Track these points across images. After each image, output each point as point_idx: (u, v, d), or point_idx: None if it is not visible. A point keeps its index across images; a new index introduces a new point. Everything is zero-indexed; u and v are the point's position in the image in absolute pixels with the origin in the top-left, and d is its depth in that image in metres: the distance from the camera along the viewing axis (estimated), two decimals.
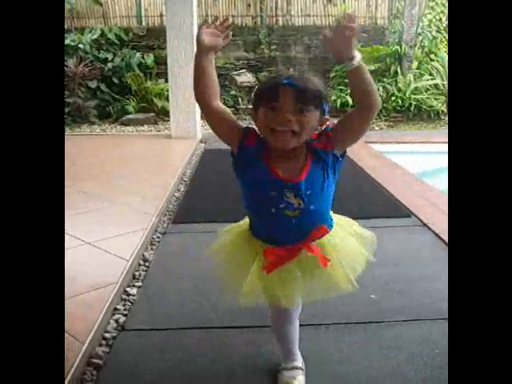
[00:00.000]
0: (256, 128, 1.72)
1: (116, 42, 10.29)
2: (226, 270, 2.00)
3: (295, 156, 1.68)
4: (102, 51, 10.03)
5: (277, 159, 1.68)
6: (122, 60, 9.98)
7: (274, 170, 1.68)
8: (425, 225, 3.85)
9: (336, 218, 1.87)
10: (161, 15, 10.80)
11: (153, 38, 10.72)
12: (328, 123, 1.69)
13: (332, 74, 10.53)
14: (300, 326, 2.36)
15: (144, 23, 11.23)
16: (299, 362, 2.07)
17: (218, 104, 1.73)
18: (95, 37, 10.05)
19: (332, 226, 1.81)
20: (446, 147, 5.71)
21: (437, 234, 3.62)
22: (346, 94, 9.70)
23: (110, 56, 10.00)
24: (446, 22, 10.79)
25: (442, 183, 5.34)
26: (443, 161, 6.87)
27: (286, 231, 1.73)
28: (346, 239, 1.82)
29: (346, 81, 10.00)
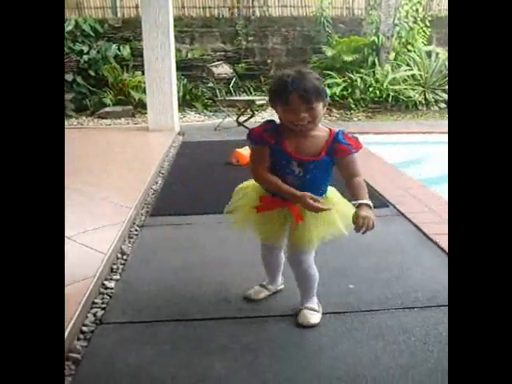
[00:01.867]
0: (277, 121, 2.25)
1: (91, 33, 10.16)
2: (234, 207, 2.51)
3: (314, 140, 2.20)
4: (77, 43, 9.90)
5: (294, 140, 2.20)
6: (98, 52, 9.86)
7: (287, 147, 2.19)
8: (402, 215, 3.87)
9: (331, 192, 2.34)
10: (136, 6, 10.68)
11: (129, 30, 10.61)
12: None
13: (310, 66, 10.53)
14: (278, 316, 2.38)
15: (119, 14, 11.10)
16: (276, 286, 2.67)
17: (269, 173, 2.27)
18: (69, 28, 9.90)
19: (320, 195, 2.23)
20: (423, 137, 5.79)
21: (415, 224, 3.65)
22: (324, 85, 9.70)
23: (85, 48, 9.87)
24: (423, 13, 10.85)
25: (419, 173, 5.39)
26: (421, 151, 6.96)
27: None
28: (332, 214, 2.25)
29: (324, 72, 10.04)
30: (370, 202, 2.17)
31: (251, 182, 2.45)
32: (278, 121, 2.27)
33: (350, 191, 2.23)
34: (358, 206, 2.14)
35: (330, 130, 2.24)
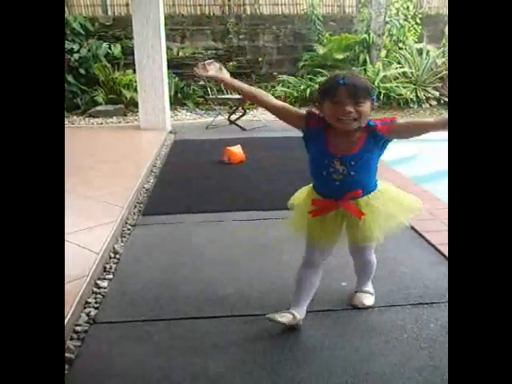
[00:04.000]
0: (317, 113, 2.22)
1: (82, 32, 10.11)
2: (292, 211, 2.51)
3: (351, 136, 2.18)
4: (67, 41, 9.84)
5: (334, 137, 2.19)
6: (89, 51, 9.82)
7: (329, 146, 2.20)
8: None
9: (384, 186, 2.38)
10: (127, 4, 10.64)
11: (119, 28, 10.57)
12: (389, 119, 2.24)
13: (301, 63, 10.55)
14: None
15: (110, 12, 11.06)
16: (301, 315, 2.38)
17: (277, 102, 2.29)
18: None
19: (373, 191, 2.29)
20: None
21: None
22: (316, 83, 9.71)
23: (75, 46, 9.81)
24: (414, 11, 10.88)
25: (410, 171, 5.41)
26: (412, 149, 6.96)
27: (331, 189, 2.26)
28: (385, 204, 2.30)
29: (315, 70, 10.05)
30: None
31: (301, 191, 2.48)
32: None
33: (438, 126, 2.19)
34: None
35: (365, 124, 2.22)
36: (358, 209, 2.25)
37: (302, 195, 2.44)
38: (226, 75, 2.38)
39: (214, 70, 2.36)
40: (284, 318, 2.28)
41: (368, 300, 2.55)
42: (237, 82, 2.41)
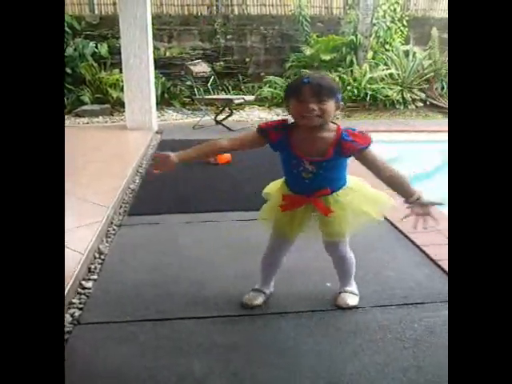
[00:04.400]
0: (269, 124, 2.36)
1: (68, 30, 10.04)
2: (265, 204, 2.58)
3: (320, 141, 2.26)
4: None
5: (300, 139, 2.28)
6: (75, 50, 9.76)
7: (295, 149, 2.28)
8: None
9: (354, 183, 2.44)
10: (114, 3, 10.57)
11: (106, 27, 10.51)
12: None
13: (288, 64, 10.56)
14: (258, 315, 2.39)
15: (97, 11, 10.99)
16: (270, 288, 2.65)
17: (233, 140, 2.43)
18: None
19: (342, 187, 2.38)
20: (400, 136, 5.79)
21: (391, 222, 3.68)
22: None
23: None
24: (401, 13, 10.94)
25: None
26: (398, 150, 6.98)
27: (301, 187, 2.35)
28: (355, 200, 2.38)
29: (302, 70, 10.06)
30: (417, 195, 2.29)
31: (275, 182, 2.55)
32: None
33: (391, 188, 2.33)
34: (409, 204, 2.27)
35: (339, 128, 2.30)
36: (326, 206, 2.33)
37: (274, 187, 2.53)
38: (173, 159, 2.38)
39: (167, 164, 2.41)
40: (258, 300, 2.56)
41: (351, 300, 2.57)
42: (187, 155, 2.43)
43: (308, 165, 2.28)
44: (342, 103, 2.34)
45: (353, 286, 2.64)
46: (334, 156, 2.26)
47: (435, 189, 4.62)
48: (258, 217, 2.59)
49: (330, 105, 2.20)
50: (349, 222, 2.40)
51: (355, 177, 2.49)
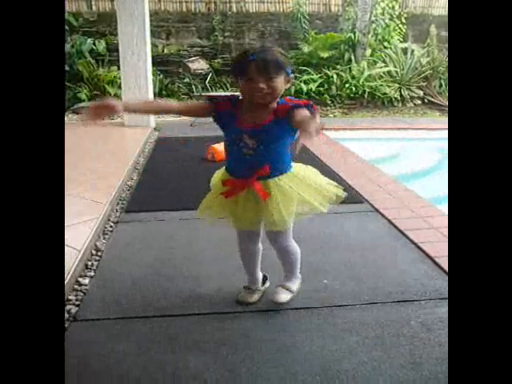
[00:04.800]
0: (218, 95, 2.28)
1: (66, 27, 10.02)
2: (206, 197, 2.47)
3: (262, 110, 2.17)
4: None
5: (246, 112, 2.21)
6: (73, 46, 9.73)
7: (240, 121, 2.21)
8: (377, 210, 3.91)
9: (299, 169, 2.33)
10: (112, 0, 10.57)
11: (104, 24, 10.49)
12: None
13: None
14: (254, 312, 2.38)
15: (94, 8, 10.95)
16: (258, 284, 2.62)
17: (180, 103, 2.56)
18: None
19: (283, 172, 2.26)
20: (398, 134, 5.82)
21: (389, 220, 3.68)
22: (301, 81, 9.72)
23: None
24: (399, 10, 10.93)
25: (394, 170, 5.44)
26: (396, 147, 6.99)
27: (242, 165, 2.25)
28: (298, 187, 2.27)
29: (301, 68, 10.06)
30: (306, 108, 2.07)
31: (218, 172, 2.46)
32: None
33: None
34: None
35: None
36: (264, 189, 2.22)
37: (217, 176, 2.44)
38: (117, 107, 2.24)
39: (104, 112, 2.27)
40: (253, 297, 2.56)
41: (282, 296, 2.46)
42: (132, 106, 2.44)
43: (248, 139, 2.18)
44: (293, 75, 2.22)
45: (292, 282, 2.53)
46: (272, 123, 2.15)
47: (434, 186, 4.63)
48: (196, 213, 2.46)
49: (280, 80, 2.12)
50: (290, 211, 2.26)
51: (303, 164, 2.39)
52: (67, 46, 9.64)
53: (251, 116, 2.19)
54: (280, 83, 2.13)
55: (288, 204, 2.24)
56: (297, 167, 2.33)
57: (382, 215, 3.80)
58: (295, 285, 2.54)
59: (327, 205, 2.34)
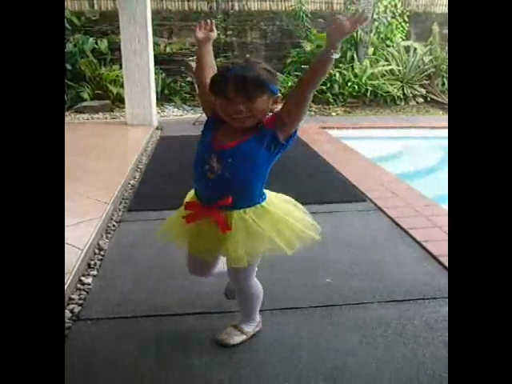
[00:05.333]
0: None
1: (68, 26, 10.01)
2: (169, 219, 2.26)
3: (240, 132, 1.92)
4: None
5: (225, 130, 1.95)
6: (75, 46, 9.73)
7: (215, 139, 1.97)
8: (379, 209, 3.90)
9: (274, 202, 2.05)
10: None
11: (106, 23, 10.49)
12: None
13: (288, 60, 10.54)
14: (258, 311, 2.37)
15: (96, 7, 10.95)
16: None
17: (206, 78, 2.01)
18: None
19: (253, 205, 2.00)
20: (401, 132, 5.80)
21: (392, 219, 3.68)
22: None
23: None
24: (402, 8, 10.91)
25: (396, 168, 5.44)
26: (398, 146, 6.99)
27: (204, 190, 2.03)
28: (264, 223, 1.99)
29: (303, 66, 10.04)
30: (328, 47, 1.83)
31: (190, 192, 2.23)
32: None
33: (308, 74, 1.95)
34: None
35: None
36: (225, 221, 1.96)
37: (189, 194, 2.21)
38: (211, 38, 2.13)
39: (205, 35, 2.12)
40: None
41: (233, 338, 2.21)
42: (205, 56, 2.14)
43: (215, 162, 1.92)
44: (281, 95, 1.95)
45: (246, 324, 2.26)
46: (247, 142, 1.90)
47: (437, 185, 4.62)
48: (157, 232, 2.30)
49: (263, 101, 1.86)
50: (251, 249, 2.00)
51: (281, 195, 2.14)
52: (69, 45, 9.64)
53: (227, 137, 1.94)
54: (263, 104, 1.87)
55: (250, 241, 1.98)
56: (272, 198, 2.07)
57: (385, 214, 3.80)
58: (251, 327, 2.27)
59: (296, 245, 2.04)
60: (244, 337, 2.23)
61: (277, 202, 2.08)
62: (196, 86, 2.14)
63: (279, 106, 1.94)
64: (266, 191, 2.07)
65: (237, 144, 1.92)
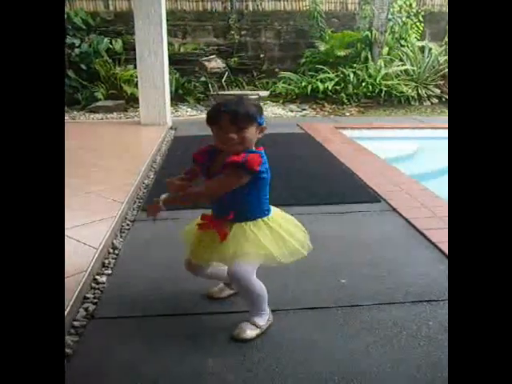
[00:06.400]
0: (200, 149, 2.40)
1: (83, 26, 10.10)
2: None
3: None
4: (68, 36, 9.82)
5: (218, 162, 2.26)
6: (90, 46, 9.80)
7: (210, 169, 2.30)
8: (394, 210, 3.88)
9: (277, 218, 2.34)
10: None
11: (121, 23, 10.56)
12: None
13: (302, 60, 10.53)
14: (272, 311, 2.37)
15: (111, 7, 11.02)
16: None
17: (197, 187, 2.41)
18: None
19: (254, 219, 2.28)
20: (415, 132, 5.78)
21: (406, 219, 3.66)
22: (317, 80, 9.70)
23: (77, 41, 9.80)
24: (417, 8, 10.86)
25: (411, 169, 5.41)
26: (413, 146, 6.96)
27: (213, 207, 2.37)
28: (261, 234, 2.26)
29: (317, 66, 10.04)
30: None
31: None
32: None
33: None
34: None
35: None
36: (225, 231, 2.25)
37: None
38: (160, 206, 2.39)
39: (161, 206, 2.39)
40: (224, 292, 2.61)
41: (246, 333, 2.27)
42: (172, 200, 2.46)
43: None
44: (265, 125, 2.27)
45: (258, 316, 2.32)
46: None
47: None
48: (181, 231, 2.55)
49: (251, 131, 2.19)
50: (245, 251, 2.23)
51: (286, 214, 2.41)
52: (85, 46, 9.71)
53: (219, 166, 2.24)
54: (251, 134, 2.20)
55: (246, 244, 2.23)
56: (275, 216, 2.34)
57: (400, 214, 3.78)
58: (263, 320, 2.33)
59: (289, 258, 2.29)
60: (258, 330, 2.29)
61: (278, 219, 2.35)
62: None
63: (262, 134, 2.27)
64: (273, 208, 2.37)
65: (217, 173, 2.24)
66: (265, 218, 2.30)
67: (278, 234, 2.29)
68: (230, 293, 2.60)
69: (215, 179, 2.24)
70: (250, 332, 2.27)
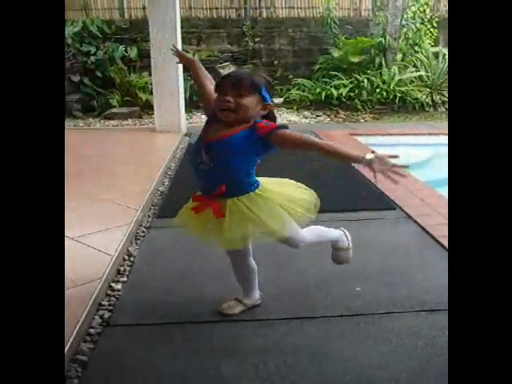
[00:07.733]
0: None
1: (98, 34, 10.16)
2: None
3: (228, 127, 2.16)
4: (84, 44, 9.90)
5: (215, 125, 2.21)
6: (105, 53, 9.86)
7: (205, 133, 2.25)
8: (410, 217, 3.86)
9: (270, 187, 2.28)
10: (144, 7, 10.66)
11: (136, 31, 10.60)
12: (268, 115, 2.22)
13: (317, 67, 10.52)
14: (286, 319, 2.37)
15: (127, 15, 11.10)
16: (240, 295, 2.55)
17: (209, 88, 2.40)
18: (77, 30, 9.91)
19: (246, 192, 2.21)
20: (430, 139, 5.75)
21: (422, 227, 3.63)
22: (331, 87, 9.69)
23: (92, 49, 9.87)
24: (430, 14, 10.82)
25: (426, 175, 5.37)
26: (428, 153, 6.90)
27: (201, 182, 2.30)
28: (257, 209, 2.20)
29: (331, 73, 10.02)
30: (367, 155, 2.20)
31: None
32: None
33: (333, 158, 2.22)
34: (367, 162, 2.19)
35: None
36: (219, 208, 2.20)
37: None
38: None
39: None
40: (235, 309, 2.51)
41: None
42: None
43: (205, 155, 2.18)
44: (273, 103, 2.22)
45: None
46: (236, 137, 2.13)
47: None
48: (173, 222, 2.49)
49: (250, 100, 2.11)
50: (243, 231, 2.23)
51: (278, 179, 2.40)
52: (100, 53, 9.78)
53: (215, 132, 2.19)
54: (249, 103, 2.12)
55: (243, 224, 2.21)
56: (266, 185, 2.28)
57: (415, 222, 3.76)
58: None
59: (290, 227, 2.29)
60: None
61: (271, 187, 2.29)
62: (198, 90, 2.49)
63: (265, 112, 2.19)
64: (260, 178, 2.29)
65: (221, 138, 2.16)
66: (257, 191, 2.24)
67: (275, 204, 2.24)
68: (243, 309, 2.53)
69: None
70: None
